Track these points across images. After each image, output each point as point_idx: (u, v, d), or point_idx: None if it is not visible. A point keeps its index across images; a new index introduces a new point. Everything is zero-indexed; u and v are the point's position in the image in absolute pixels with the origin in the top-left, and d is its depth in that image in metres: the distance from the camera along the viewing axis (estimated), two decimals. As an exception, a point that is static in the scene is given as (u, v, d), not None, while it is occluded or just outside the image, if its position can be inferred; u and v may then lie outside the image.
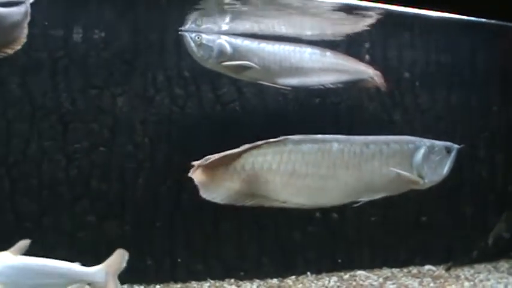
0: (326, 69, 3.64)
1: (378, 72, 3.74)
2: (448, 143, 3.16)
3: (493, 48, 4.46)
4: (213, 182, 2.81)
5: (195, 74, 3.68)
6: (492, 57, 4.44)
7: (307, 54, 3.62)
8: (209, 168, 2.79)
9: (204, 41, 3.37)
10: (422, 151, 3.04)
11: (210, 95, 3.78)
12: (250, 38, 3.50)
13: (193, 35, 3.37)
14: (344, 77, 3.68)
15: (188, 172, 2.81)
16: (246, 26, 3.62)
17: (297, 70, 3.56)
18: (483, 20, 3.93)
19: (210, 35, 3.40)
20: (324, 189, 2.92)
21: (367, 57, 4.01)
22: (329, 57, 3.68)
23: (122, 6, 3.62)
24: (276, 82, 3.53)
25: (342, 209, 3.77)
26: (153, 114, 3.70)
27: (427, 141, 3.12)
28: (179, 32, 3.41)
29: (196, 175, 2.79)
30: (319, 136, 2.94)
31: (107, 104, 3.62)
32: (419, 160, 3.03)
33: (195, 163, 2.78)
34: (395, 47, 4.16)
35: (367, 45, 4.07)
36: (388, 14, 3.70)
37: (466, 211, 4.26)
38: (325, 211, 3.90)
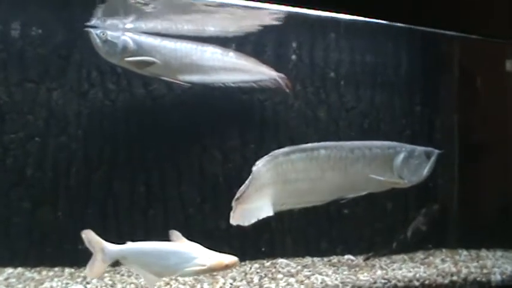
0: (227, 68, 4.04)
1: (281, 75, 4.17)
2: (429, 149, 3.75)
3: (416, 51, 4.99)
4: (248, 208, 3.41)
5: (127, 70, 4.03)
6: (415, 60, 4.96)
7: (208, 53, 4.01)
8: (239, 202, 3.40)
9: (109, 37, 3.71)
10: (402, 155, 3.67)
11: (141, 90, 4.20)
12: (154, 36, 3.86)
13: (98, 31, 3.70)
14: (246, 77, 4.10)
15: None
16: (150, 24, 3.95)
17: (197, 67, 3.96)
18: (407, 25, 4.45)
19: (115, 32, 3.73)
20: (315, 189, 3.56)
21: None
22: (231, 57, 4.08)
23: (58, 4, 4.05)
24: (177, 78, 3.92)
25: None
26: (87, 108, 4.11)
27: (409, 147, 3.73)
28: (84, 29, 3.75)
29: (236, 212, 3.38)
30: (308, 145, 3.59)
31: (43, 97, 4.04)
32: (399, 164, 3.66)
33: (233, 203, 3.35)
34: (321, 48, 4.66)
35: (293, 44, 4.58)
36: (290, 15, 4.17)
37: (387, 205, 4.78)
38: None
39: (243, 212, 3.39)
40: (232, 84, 4.09)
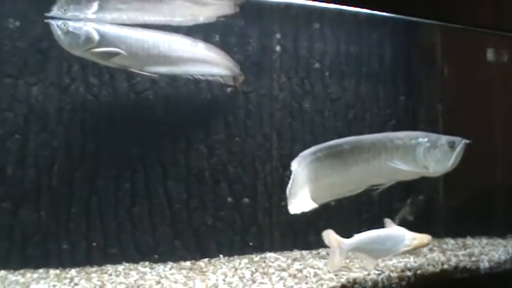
0: (195, 60, 4.04)
1: (241, 73, 4.24)
2: (454, 138, 3.81)
3: (401, 42, 5.09)
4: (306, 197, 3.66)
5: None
6: (399, 50, 5.07)
7: (177, 43, 3.98)
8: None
9: (70, 29, 3.62)
10: (423, 146, 3.75)
11: (124, 83, 4.18)
12: (119, 26, 3.81)
13: (59, 22, 3.62)
14: (214, 70, 4.13)
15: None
16: (114, 14, 3.87)
17: (165, 58, 3.92)
18: (392, 15, 4.54)
19: (77, 23, 3.66)
20: (343, 183, 3.76)
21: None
22: (200, 48, 4.08)
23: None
24: (144, 69, 3.88)
25: (253, 195, 4.36)
26: (68, 103, 4.08)
27: (433, 137, 3.81)
28: (45, 20, 3.65)
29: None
30: (332, 142, 3.76)
31: (22, 92, 4.00)
32: (421, 154, 3.75)
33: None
34: (305, 39, 4.73)
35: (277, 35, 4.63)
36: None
37: (373, 195, 4.87)
38: (237, 197, 4.46)
39: (296, 202, 3.63)
40: (200, 77, 4.11)
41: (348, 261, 4.22)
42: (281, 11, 4.57)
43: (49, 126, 4.04)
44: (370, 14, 4.49)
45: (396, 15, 4.49)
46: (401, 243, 3.86)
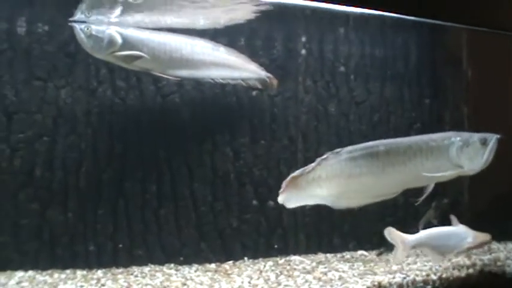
0: (217, 63, 4.06)
1: (269, 74, 4.24)
2: (485, 134, 3.82)
3: (425, 44, 5.09)
4: (298, 192, 3.66)
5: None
6: (424, 53, 5.07)
7: (199, 47, 4.01)
8: (293, 182, 3.64)
9: (93, 32, 3.68)
10: (455, 146, 3.78)
11: (151, 87, 4.24)
12: (141, 29, 3.85)
13: (82, 26, 3.67)
14: (235, 74, 4.13)
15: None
16: (137, 17, 3.88)
17: (187, 62, 3.95)
18: (417, 18, 4.55)
19: (100, 26, 3.70)
20: (378, 184, 3.77)
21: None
22: (221, 52, 4.10)
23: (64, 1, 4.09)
24: (166, 73, 3.91)
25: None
26: (96, 106, 4.14)
27: (465, 135, 3.83)
28: (69, 23, 3.72)
29: (287, 190, 3.64)
30: (369, 143, 3.78)
31: (51, 95, 4.08)
32: (454, 154, 3.77)
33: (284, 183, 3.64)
34: (330, 42, 4.76)
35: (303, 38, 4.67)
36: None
37: (398, 199, 4.88)
38: (262, 200, 4.50)
39: (291, 194, 3.64)
40: (221, 81, 4.13)
41: (372, 264, 4.23)
42: (306, 14, 4.57)
43: (77, 128, 4.12)
44: (394, 17, 4.46)
45: (421, 19, 4.46)
46: (465, 240, 4.02)
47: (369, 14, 4.53)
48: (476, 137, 3.82)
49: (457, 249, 4.02)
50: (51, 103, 4.07)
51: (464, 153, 3.79)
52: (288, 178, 3.63)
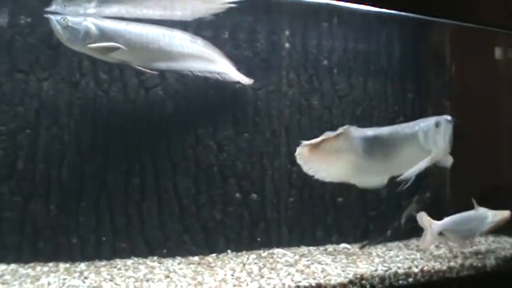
0: (195, 56, 4.07)
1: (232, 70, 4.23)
2: (439, 118, 3.95)
3: (409, 39, 5.15)
4: (316, 159, 3.89)
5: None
6: (408, 48, 5.13)
7: (177, 39, 4.00)
8: (314, 147, 3.87)
9: (70, 23, 3.64)
10: (422, 131, 3.93)
11: (134, 79, 4.24)
12: (118, 21, 3.82)
13: (58, 17, 3.63)
14: (212, 67, 4.15)
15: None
16: (114, 9, 3.85)
17: (165, 54, 3.94)
18: (400, 13, 4.60)
19: (76, 17, 3.67)
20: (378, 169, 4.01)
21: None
22: (199, 45, 4.11)
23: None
24: (144, 65, 3.89)
25: (261, 191, 4.43)
26: (78, 98, 4.14)
27: (432, 120, 3.96)
28: (44, 15, 3.68)
29: (303, 153, 3.89)
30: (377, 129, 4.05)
31: (33, 88, 4.06)
32: (422, 140, 3.91)
33: (304, 142, 3.87)
34: (313, 36, 4.79)
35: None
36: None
37: (380, 193, 4.94)
38: (245, 192, 4.53)
39: (311, 158, 3.89)
40: (199, 73, 4.13)
41: (355, 257, 4.28)
42: (290, 8, 4.60)
43: (60, 121, 4.11)
44: (378, 11, 4.50)
45: (404, 13, 4.51)
46: (484, 221, 4.31)
47: (353, 9, 4.54)
48: (433, 120, 3.93)
49: (480, 231, 4.32)
50: (34, 95, 4.06)
51: (429, 137, 3.85)
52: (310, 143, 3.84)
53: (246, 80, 4.27)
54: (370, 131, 3.99)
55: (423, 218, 4.23)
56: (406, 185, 3.87)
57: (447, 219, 4.28)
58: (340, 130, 3.88)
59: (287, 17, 4.64)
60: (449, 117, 3.89)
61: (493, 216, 4.32)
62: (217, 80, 4.26)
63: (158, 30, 3.94)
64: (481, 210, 4.33)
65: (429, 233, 4.20)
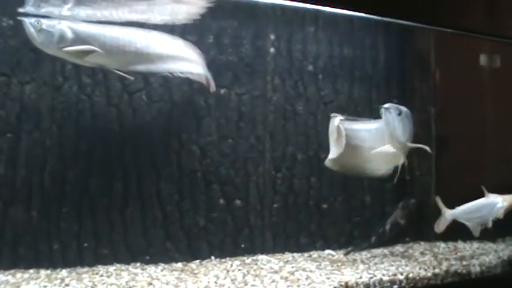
0: (174, 57, 4.00)
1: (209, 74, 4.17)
2: (400, 107, 4.07)
3: (394, 45, 5.18)
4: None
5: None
6: (393, 54, 5.16)
7: (154, 41, 3.90)
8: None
9: (44, 26, 3.52)
10: (390, 121, 4.02)
11: (117, 83, 4.21)
12: (94, 23, 3.72)
13: (32, 20, 3.51)
14: (192, 68, 4.09)
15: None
16: (89, 11, 3.77)
17: (142, 56, 3.84)
18: (385, 18, 4.62)
19: (51, 20, 3.56)
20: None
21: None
22: (179, 45, 4.04)
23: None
24: (122, 68, 3.80)
25: (245, 197, 4.42)
26: (61, 102, 4.10)
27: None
28: (17, 17, 3.58)
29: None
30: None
31: (15, 91, 4.02)
32: (392, 128, 4.01)
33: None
34: (299, 41, 4.80)
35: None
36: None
37: (365, 199, 4.96)
38: (229, 199, 4.52)
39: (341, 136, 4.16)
40: (180, 75, 4.06)
41: (339, 264, 4.28)
42: (275, 13, 4.60)
43: (42, 125, 4.07)
44: (363, 17, 4.52)
45: (389, 19, 4.53)
46: (494, 207, 4.41)
47: (338, 14, 4.55)
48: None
49: (492, 216, 4.40)
50: (15, 99, 4.01)
51: (397, 125, 3.94)
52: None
53: (212, 87, 4.21)
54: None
55: (439, 202, 4.43)
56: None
57: (458, 208, 4.43)
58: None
59: (272, 22, 4.63)
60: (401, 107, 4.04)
61: (503, 201, 4.42)
62: (202, 85, 4.22)
63: (135, 32, 3.84)
64: (491, 197, 4.43)
65: (443, 219, 4.41)
